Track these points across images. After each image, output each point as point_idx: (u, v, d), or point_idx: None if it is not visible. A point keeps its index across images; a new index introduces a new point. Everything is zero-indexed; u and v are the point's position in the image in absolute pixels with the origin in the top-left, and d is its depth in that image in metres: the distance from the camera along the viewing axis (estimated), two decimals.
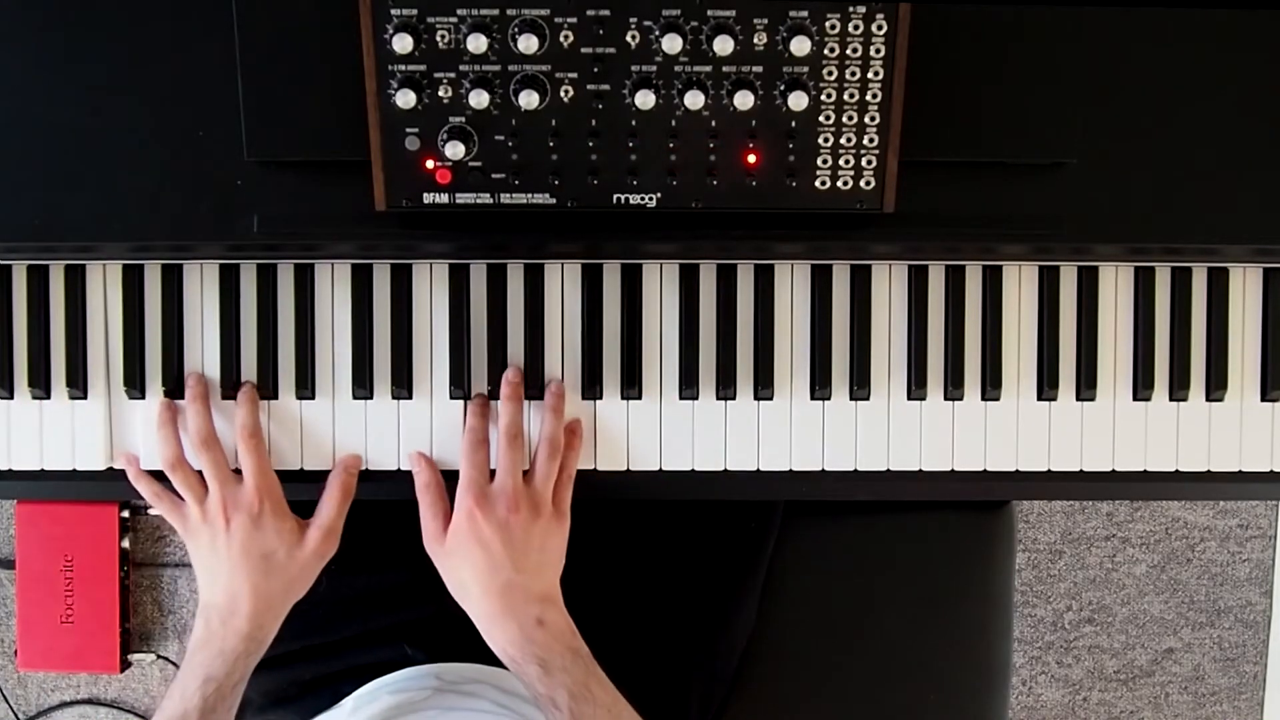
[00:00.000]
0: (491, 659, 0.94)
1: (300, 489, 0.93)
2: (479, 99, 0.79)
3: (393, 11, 0.78)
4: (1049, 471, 0.95)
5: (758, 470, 0.94)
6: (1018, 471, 0.95)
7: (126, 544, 1.69)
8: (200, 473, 0.89)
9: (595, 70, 0.80)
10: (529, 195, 0.83)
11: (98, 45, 0.84)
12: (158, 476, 0.91)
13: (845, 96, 0.81)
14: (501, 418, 0.90)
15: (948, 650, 1.09)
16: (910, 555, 1.09)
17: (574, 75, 0.80)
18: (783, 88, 0.80)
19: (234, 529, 0.87)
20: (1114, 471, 0.95)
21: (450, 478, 0.92)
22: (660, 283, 0.93)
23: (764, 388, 0.93)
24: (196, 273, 0.92)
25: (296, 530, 0.89)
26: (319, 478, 0.93)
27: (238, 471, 0.90)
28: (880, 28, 0.79)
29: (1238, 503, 1.79)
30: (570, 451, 0.91)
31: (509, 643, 0.85)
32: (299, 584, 0.90)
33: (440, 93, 0.80)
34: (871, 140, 0.82)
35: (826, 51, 0.80)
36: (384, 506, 1.00)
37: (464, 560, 0.86)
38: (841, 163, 0.83)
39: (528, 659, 0.84)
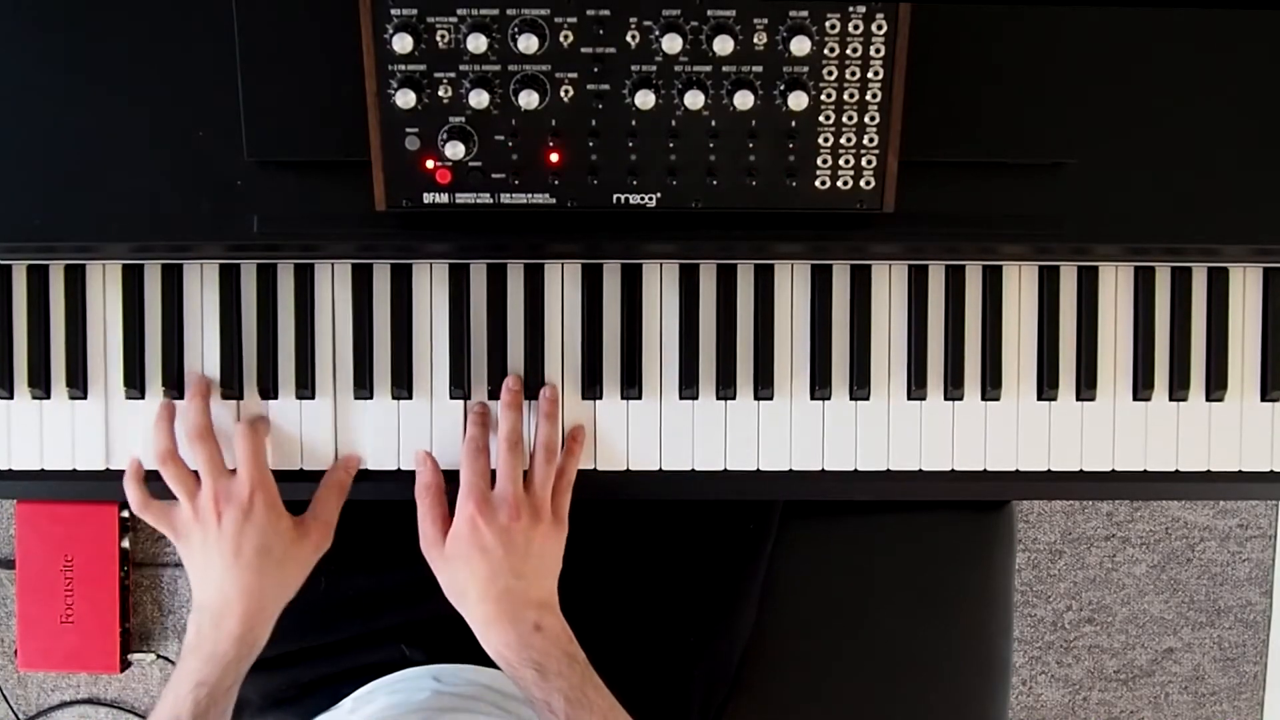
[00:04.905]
0: (490, 661, 0.94)
1: (300, 489, 0.93)
2: (479, 99, 0.79)
3: (393, 11, 0.78)
4: (1049, 471, 0.95)
5: (758, 470, 0.94)
6: (1018, 471, 0.95)
7: (126, 544, 1.69)
8: (195, 472, 0.89)
9: (595, 70, 0.80)
10: (529, 195, 0.83)
11: (98, 45, 0.84)
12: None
13: (845, 96, 0.81)
14: (501, 425, 0.90)
15: (948, 650, 1.09)
16: (910, 555, 1.09)
17: (574, 75, 0.80)
18: (783, 88, 0.80)
19: (225, 523, 0.86)
20: (1114, 471, 0.95)
21: (451, 478, 0.92)
22: (660, 283, 0.93)
23: (764, 388, 0.93)
24: (196, 273, 0.92)
25: (291, 526, 0.89)
26: (319, 478, 0.93)
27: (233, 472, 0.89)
28: (880, 28, 0.79)
29: (1238, 503, 1.79)
30: (570, 458, 0.91)
31: (505, 646, 0.85)
32: (292, 581, 0.89)
33: (440, 93, 0.80)
34: (871, 140, 0.82)
35: (826, 51, 0.80)
36: (383, 507, 1.00)
37: (464, 566, 0.86)
38: (841, 163, 0.83)
39: (524, 663, 0.84)
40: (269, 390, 0.92)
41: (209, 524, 0.87)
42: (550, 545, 0.88)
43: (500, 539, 0.86)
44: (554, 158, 0.82)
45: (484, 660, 0.95)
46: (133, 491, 0.90)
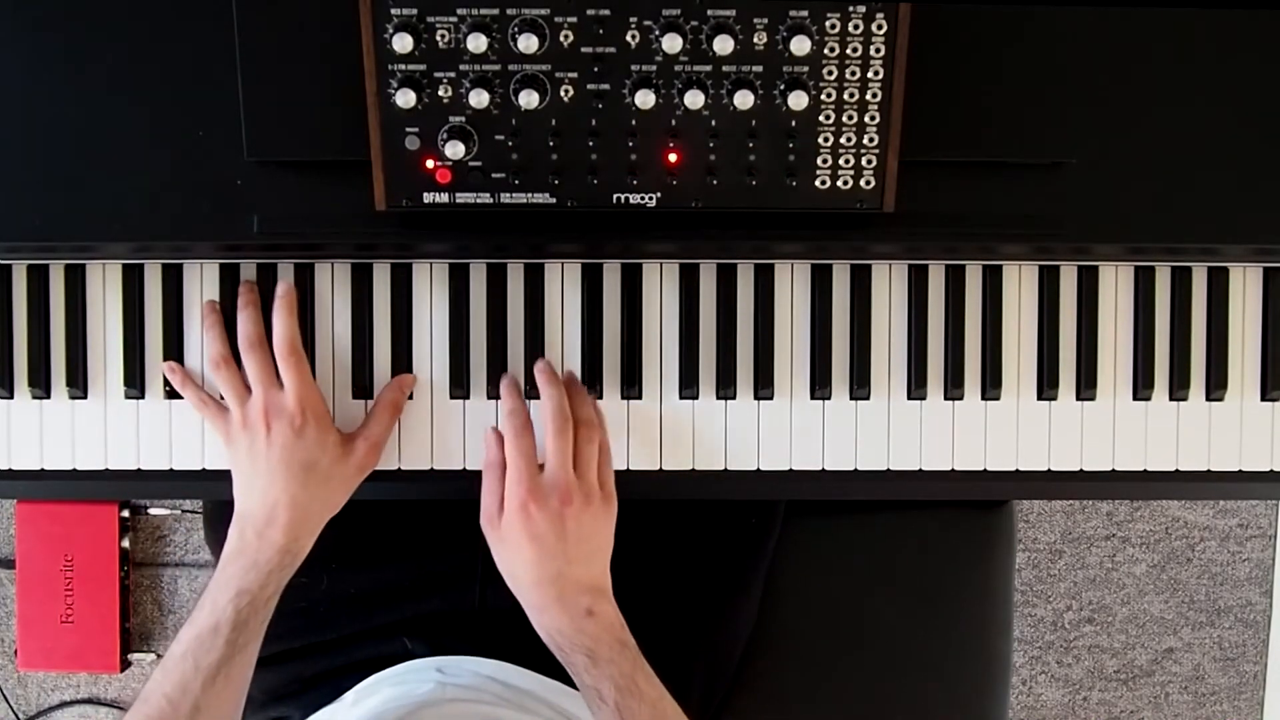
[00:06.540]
0: (494, 654, 0.94)
1: None
2: (479, 99, 0.79)
3: (393, 11, 0.78)
4: (1049, 471, 0.95)
5: (758, 470, 0.94)
6: (1018, 471, 0.95)
7: (126, 544, 1.69)
8: (243, 378, 0.88)
9: (595, 70, 0.80)
10: (529, 195, 0.83)
11: (98, 45, 0.84)
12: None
13: (845, 96, 0.81)
14: (545, 404, 0.88)
15: (947, 649, 1.09)
16: (910, 554, 1.09)
17: (574, 75, 0.80)
18: (783, 87, 0.80)
19: (274, 435, 0.86)
20: (1114, 471, 0.95)
21: (454, 476, 0.92)
22: (660, 283, 0.93)
23: (764, 388, 0.93)
24: (196, 273, 0.92)
25: (340, 442, 0.89)
26: None
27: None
28: (880, 27, 0.79)
29: (1238, 503, 1.79)
30: (602, 429, 0.90)
31: (557, 632, 0.85)
32: (338, 497, 0.89)
33: (440, 92, 0.80)
34: (871, 140, 0.82)
35: (826, 51, 0.80)
36: (384, 505, 1.00)
37: (516, 551, 0.85)
38: (841, 162, 0.83)
39: (575, 649, 0.84)
40: None
41: (258, 433, 0.86)
42: (602, 526, 0.87)
43: (553, 525, 0.84)
44: (554, 158, 0.82)
45: (488, 653, 0.95)
46: (190, 393, 0.91)
